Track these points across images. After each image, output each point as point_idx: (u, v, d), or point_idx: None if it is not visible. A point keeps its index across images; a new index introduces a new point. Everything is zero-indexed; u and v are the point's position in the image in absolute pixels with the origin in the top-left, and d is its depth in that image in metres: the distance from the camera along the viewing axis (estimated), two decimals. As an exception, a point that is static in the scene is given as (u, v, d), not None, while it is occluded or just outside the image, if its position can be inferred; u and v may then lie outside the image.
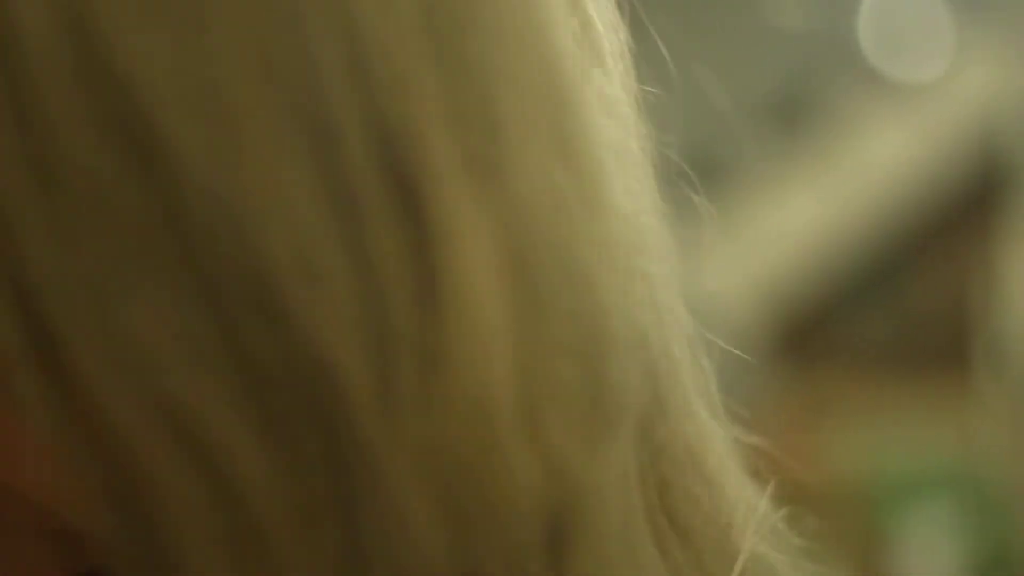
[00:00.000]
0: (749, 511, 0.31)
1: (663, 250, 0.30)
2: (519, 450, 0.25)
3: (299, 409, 0.25)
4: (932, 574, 3.40)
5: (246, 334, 0.24)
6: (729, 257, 4.13)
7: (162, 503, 0.24)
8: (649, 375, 0.28)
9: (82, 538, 0.25)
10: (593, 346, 0.26)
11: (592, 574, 0.26)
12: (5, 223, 0.24)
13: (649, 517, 0.28)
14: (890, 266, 4.40)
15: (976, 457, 3.85)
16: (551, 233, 0.26)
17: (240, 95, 0.24)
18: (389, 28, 0.24)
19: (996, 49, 3.44)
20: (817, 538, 0.36)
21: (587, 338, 0.27)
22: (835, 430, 3.86)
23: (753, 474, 0.34)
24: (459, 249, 0.25)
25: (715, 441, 0.31)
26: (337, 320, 0.24)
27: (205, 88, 0.24)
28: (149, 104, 0.24)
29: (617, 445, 0.27)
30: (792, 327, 4.52)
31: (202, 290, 0.24)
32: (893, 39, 4.16)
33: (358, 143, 0.24)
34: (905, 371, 4.45)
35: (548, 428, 0.26)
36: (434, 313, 0.25)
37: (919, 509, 3.70)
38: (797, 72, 4.75)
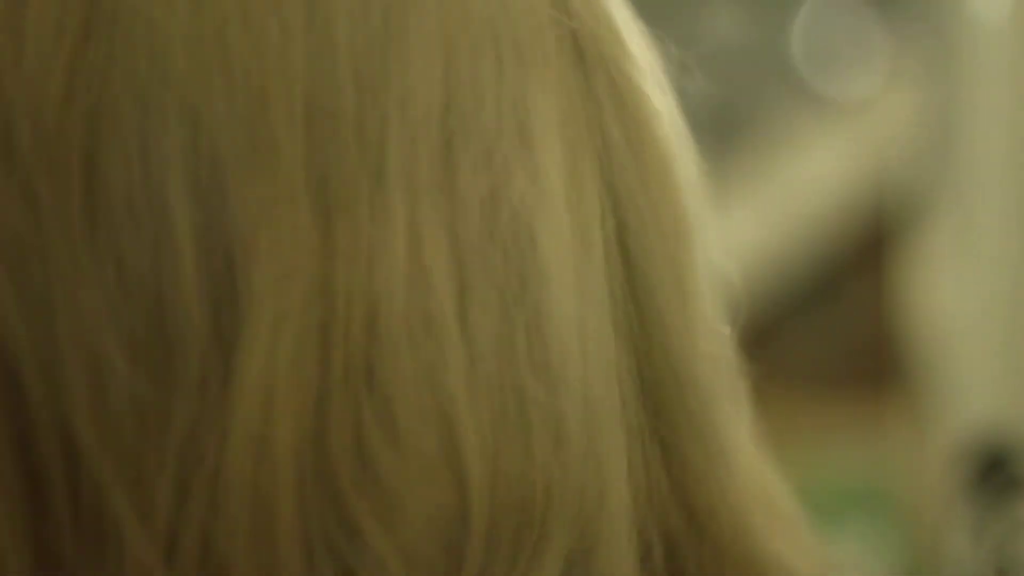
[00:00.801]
0: None
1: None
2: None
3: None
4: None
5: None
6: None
7: None
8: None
9: None
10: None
11: None
12: None
13: None
14: (818, 286, 4.43)
15: (892, 476, 3.88)
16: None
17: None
18: None
19: (920, 71, 3.49)
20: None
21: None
22: (765, 447, 3.86)
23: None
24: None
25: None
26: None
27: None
28: None
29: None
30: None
31: None
32: (825, 56, 4.18)
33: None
34: (832, 391, 4.49)
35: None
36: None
37: (839, 526, 3.72)
38: (730, 88, 4.79)
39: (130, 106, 0.27)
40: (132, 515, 0.26)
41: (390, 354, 0.28)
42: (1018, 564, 1.00)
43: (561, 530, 0.30)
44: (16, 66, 0.27)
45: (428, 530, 0.28)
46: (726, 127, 4.57)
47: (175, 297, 0.26)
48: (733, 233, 4.23)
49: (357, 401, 0.28)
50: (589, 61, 0.33)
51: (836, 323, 4.52)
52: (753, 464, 0.37)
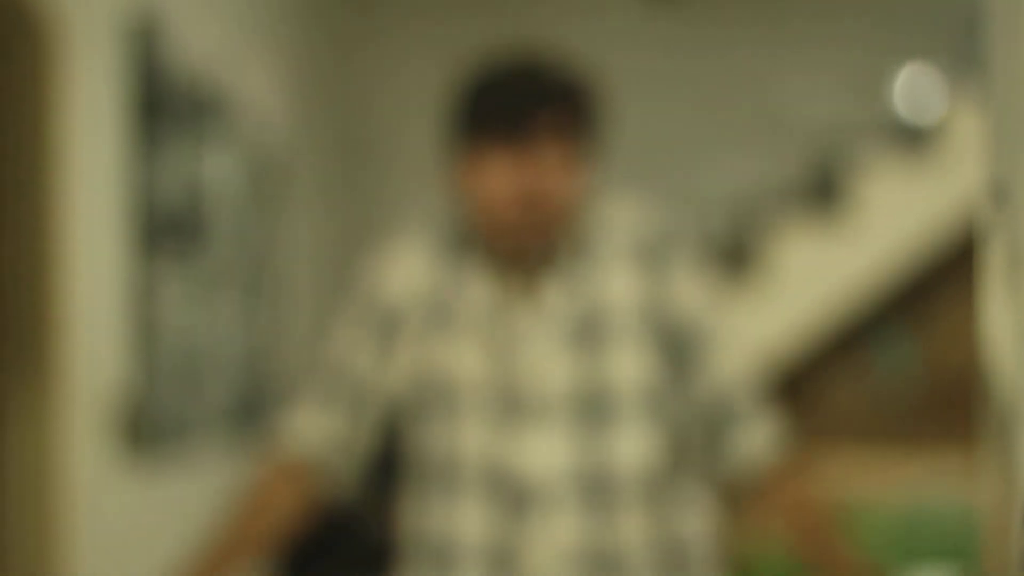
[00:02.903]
0: None
1: None
2: None
3: None
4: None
5: None
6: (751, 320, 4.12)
7: None
8: None
9: None
10: None
11: None
12: None
13: None
14: (893, 325, 4.37)
15: (969, 512, 3.80)
16: None
17: None
18: None
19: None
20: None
21: None
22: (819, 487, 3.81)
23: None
24: None
25: None
26: None
27: None
28: None
29: None
30: (786, 385, 4.48)
31: None
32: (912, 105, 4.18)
33: None
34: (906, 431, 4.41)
35: None
36: None
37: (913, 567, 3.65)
38: (823, 152, 4.75)
39: None
40: None
41: None
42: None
43: None
44: None
45: None
46: (824, 187, 4.52)
47: None
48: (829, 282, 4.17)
49: None
50: None
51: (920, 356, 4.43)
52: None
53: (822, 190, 4.54)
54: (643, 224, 1.89)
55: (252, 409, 3.36)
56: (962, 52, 4.38)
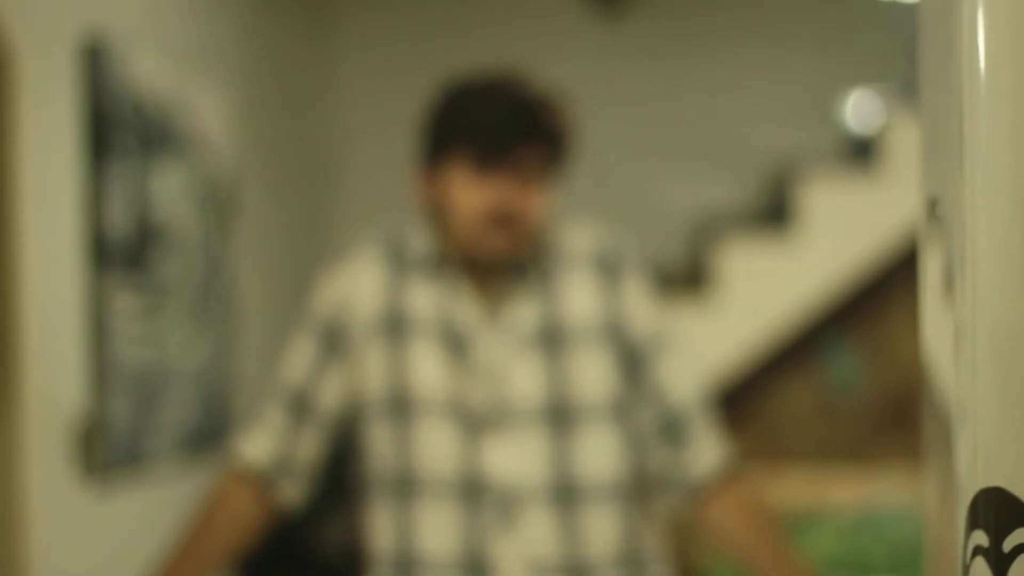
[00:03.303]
0: None
1: None
2: None
3: None
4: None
5: None
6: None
7: None
8: None
9: None
10: None
11: None
12: None
13: None
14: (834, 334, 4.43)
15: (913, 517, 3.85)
16: None
17: None
18: None
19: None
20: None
21: None
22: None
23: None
24: None
25: None
26: None
27: None
28: None
29: None
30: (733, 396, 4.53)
31: None
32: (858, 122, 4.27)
33: None
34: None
35: None
36: None
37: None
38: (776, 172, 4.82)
39: None
40: None
41: None
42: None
43: None
44: None
45: None
46: (776, 210, 4.58)
47: None
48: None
49: None
50: None
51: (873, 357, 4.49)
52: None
53: (773, 209, 4.61)
54: (598, 242, 1.94)
55: (208, 430, 3.36)
56: (910, 77, 4.51)
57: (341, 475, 3.81)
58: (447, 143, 1.83)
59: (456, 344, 1.86)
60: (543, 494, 1.82)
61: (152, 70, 3.07)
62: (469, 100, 1.84)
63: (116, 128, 2.88)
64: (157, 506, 3.15)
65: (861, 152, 4.49)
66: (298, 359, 1.90)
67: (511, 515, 1.82)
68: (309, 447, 1.90)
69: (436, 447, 1.83)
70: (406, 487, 1.85)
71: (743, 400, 4.45)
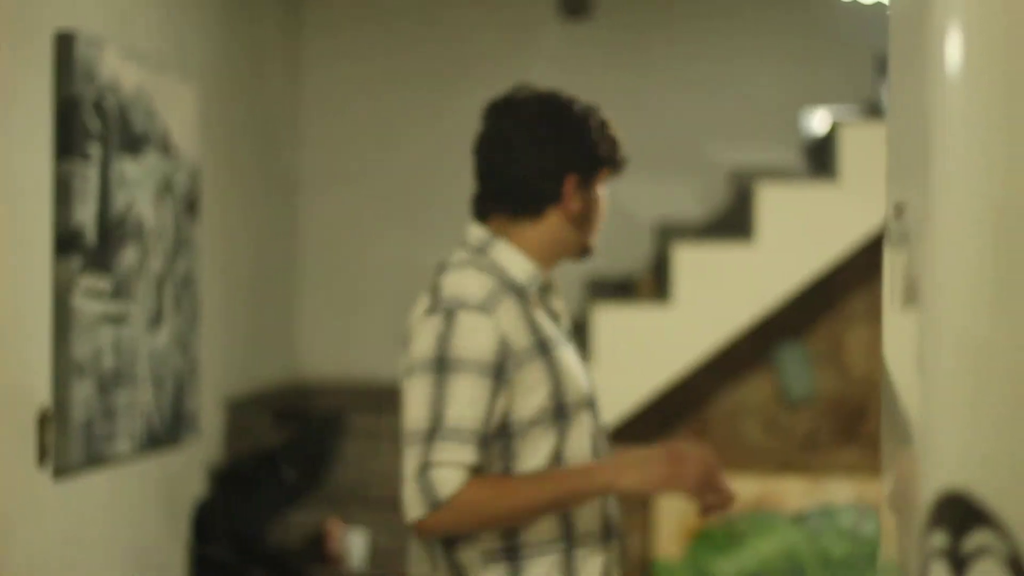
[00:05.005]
0: None
1: None
2: None
3: None
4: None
5: None
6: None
7: None
8: None
9: None
10: None
11: None
12: None
13: None
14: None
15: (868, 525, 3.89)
16: None
17: None
18: None
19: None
20: None
21: None
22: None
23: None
24: None
25: None
26: None
27: None
28: None
29: None
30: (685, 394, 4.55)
31: None
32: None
33: None
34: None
35: None
36: None
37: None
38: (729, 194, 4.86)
39: None
40: None
41: None
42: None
43: None
44: None
45: None
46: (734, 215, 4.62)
47: None
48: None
49: None
50: None
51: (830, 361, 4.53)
52: None
53: (735, 216, 4.65)
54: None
55: (168, 421, 3.36)
56: (875, 89, 4.58)
57: (311, 484, 3.84)
58: (600, 163, 2.18)
59: (568, 347, 2.17)
60: None
61: (122, 65, 3.07)
62: (599, 122, 2.18)
63: (83, 123, 2.87)
64: (116, 494, 3.15)
65: (820, 162, 4.54)
66: (478, 404, 2.04)
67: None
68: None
69: (584, 437, 2.13)
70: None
71: (701, 402, 4.48)
